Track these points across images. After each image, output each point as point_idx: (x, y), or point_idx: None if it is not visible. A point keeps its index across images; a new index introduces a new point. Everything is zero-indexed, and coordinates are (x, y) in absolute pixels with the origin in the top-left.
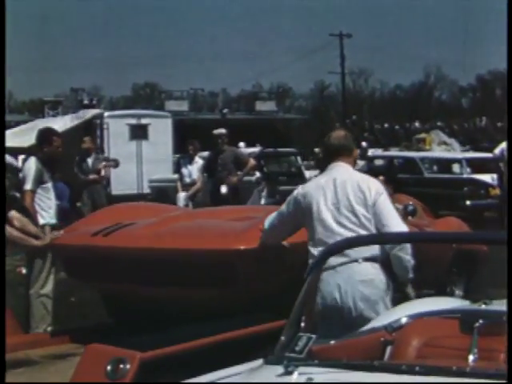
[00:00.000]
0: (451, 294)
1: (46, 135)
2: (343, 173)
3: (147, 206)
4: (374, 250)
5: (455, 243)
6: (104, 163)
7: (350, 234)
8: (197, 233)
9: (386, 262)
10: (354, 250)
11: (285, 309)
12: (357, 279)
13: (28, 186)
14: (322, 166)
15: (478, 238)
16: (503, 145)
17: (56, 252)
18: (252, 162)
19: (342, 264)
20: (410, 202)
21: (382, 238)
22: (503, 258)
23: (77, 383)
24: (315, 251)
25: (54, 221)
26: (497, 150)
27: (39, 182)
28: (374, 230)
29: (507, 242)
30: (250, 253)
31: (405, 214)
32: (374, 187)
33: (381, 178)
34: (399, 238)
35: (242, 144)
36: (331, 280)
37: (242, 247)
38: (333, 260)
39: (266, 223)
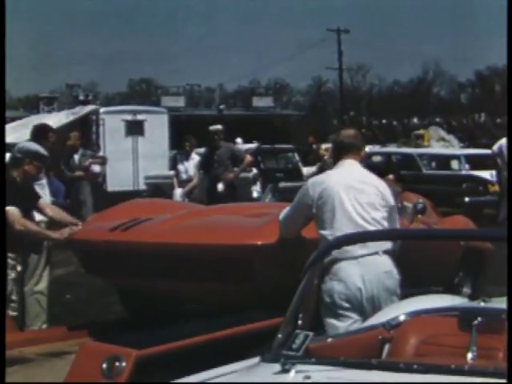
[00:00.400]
0: (459, 291)
1: (41, 131)
2: (356, 171)
3: (162, 203)
4: (388, 243)
5: (455, 240)
6: (90, 160)
7: (371, 228)
8: (215, 228)
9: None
10: (372, 242)
11: None
12: (380, 270)
13: None
14: (334, 160)
15: (479, 235)
16: (502, 141)
17: (73, 247)
18: (249, 158)
19: (363, 256)
20: (420, 200)
21: (387, 234)
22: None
23: (72, 382)
24: (333, 237)
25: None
26: (495, 147)
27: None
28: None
29: (507, 239)
30: (267, 248)
31: (415, 212)
32: (388, 190)
33: (390, 177)
34: (405, 235)
35: (239, 140)
36: (355, 271)
37: (259, 242)
38: (354, 251)
39: (281, 216)
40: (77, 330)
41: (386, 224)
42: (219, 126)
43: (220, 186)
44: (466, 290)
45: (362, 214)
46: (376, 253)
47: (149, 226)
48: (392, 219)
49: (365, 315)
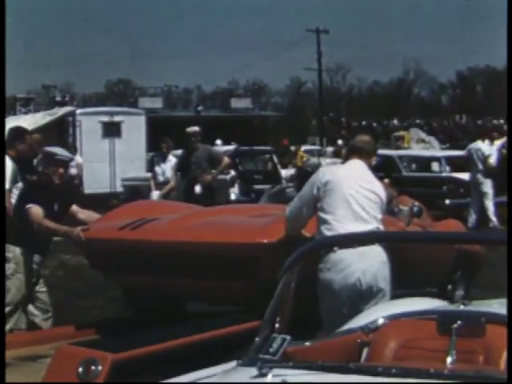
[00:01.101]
0: (453, 293)
1: (17, 133)
2: (363, 171)
3: (167, 204)
4: None
5: (458, 243)
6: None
7: (369, 226)
8: (222, 227)
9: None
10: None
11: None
12: (378, 260)
13: (6, 186)
14: (344, 160)
15: (479, 238)
16: (472, 144)
17: (82, 245)
18: (226, 160)
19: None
20: (416, 203)
21: (380, 235)
22: (497, 259)
23: None
24: (335, 223)
25: None
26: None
27: (15, 181)
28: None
29: (507, 242)
30: (273, 246)
31: (411, 215)
32: (385, 195)
33: (386, 181)
34: (403, 238)
35: (218, 142)
36: (354, 262)
37: (265, 241)
38: None
39: (287, 210)
40: (52, 333)
41: (381, 224)
42: (196, 128)
43: (197, 188)
44: (460, 292)
45: (364, 207)
46: (373, 244)
47: (157, 225)
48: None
49: (360, 302)
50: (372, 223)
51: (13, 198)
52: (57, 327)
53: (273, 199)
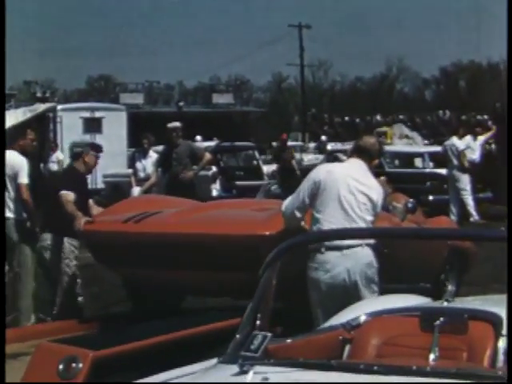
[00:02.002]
0: (445, 289)
1: (19, 129)
2: (361, 171)
3: (168, 198)
4: None
5: (457, 240)
6: None
7: (359, 224)
8: (224, 220)
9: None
10: None
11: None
12: (363, 262)
13: (25, 180)
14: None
15: (479, 235)
16: (447, 141)
17: (86, 238)
18: (208, 156)
19: (348, 247)
20: (411, 200)
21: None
22: (490, 256)
23: (28, 383)
24: (324, 221)
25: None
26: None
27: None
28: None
29: (507, 239)
30: (274, 238)
31: (406, 211)
32: (381, 199)
33: (382, 178)
34: (401, 234)
35: (198, 138)
36: (340, 263)
37: (267, 233)
38: (339, 242)
39: (283, 206)
40: (33, 330)
41: (370, 225)
42: (177, 124)
43: (179, 185)
44: (451, 287)
45: (353, 208)
46: (360, 245)
47: (160, 218)
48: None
49: (345, 300)
50: (359, 224)
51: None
52: (37, 324)
53: (268, 195)
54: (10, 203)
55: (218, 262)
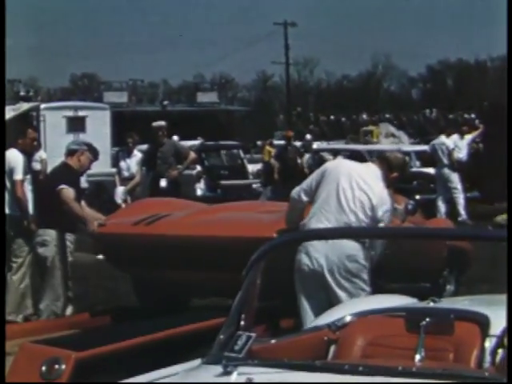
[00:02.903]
0: (444, 288)
1: (20, 129)
2: (370, 173)
3: (175, 201)
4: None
5: (457, 240)
6: None
7: (350, 217)
8: (233, 222)
9: (368, 245)
10: (343, 225)
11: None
12: (344, 253)
13: (19, 176)
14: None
15: (479, 235)
16: (435, 140)
17: (98, 240)
18: (192, 155)
19: None
20: (411, 201)
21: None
22: (477, 257)
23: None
24: (319, 212)
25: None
26: (435, 142)
27: (25, 172)
28: None
29: (507, 239)
30: None
31: (406, 213)
32: (384, 207)
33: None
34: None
35: (175, 137)
36: (321, 248)
37: (275, 235)
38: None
39: (293, 190)
40: (16, 330)
41: (361, 223)
42: (162, 122)
43: (163, 183)
44: (450, 286)
45: (348, 201)
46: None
47: (170, 220)
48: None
49: (328, 291)
50: (349, 218)
51: (26, 188)
52: (22, 323)
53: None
54: (7, 199)
55: (226, 263)
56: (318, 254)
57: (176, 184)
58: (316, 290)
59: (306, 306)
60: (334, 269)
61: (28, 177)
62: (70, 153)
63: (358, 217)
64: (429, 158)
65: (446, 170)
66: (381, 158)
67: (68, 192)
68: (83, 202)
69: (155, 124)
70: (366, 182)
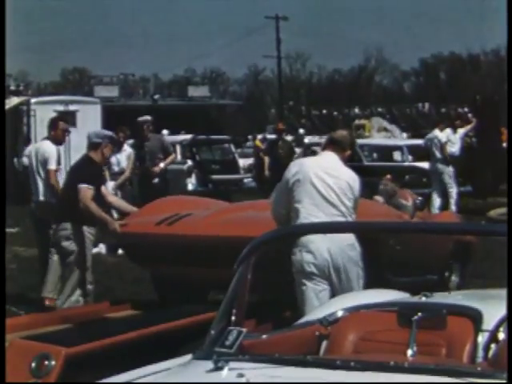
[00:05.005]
0: (449, 281)
1: (53, 121)
2: (332, 161)
3: (195, 199)
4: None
5: (458, 234)
6: None
7: (340, 208)
8: (253, 222)
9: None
10: (337, 218)
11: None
12: (344, 243)
13: (53, 166)
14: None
15: (479, 229)
16: (429, 134)
17: (121, 239)
18: (173, 155)
19: None
20: (419, 198)
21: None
22: (489, 250)
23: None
24: (303, 210)
25: None
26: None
27: (58, 163)
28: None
29: (507, 236)
30: None
31: (415, 209)
32: (357, 184)
33: (388, 176)
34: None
35: (165, 132)
36: (322, 243)
37: None
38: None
39: (271, 206)
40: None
41: (352, 211)
42: (148, 117)
43: (156, 179)
44: (455, 279)
45: (332, 196)
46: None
47: (192, 220)
48: (355, 210)
49: (332, 284)
50: (339, 207)
51: (59, 177)
52: (9, 318)
53: None
54: (41, 188)
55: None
56: (320, 249)
57: (163, 179)
58: (323, 286)
59: (315, 304)
60: (339, 260)
61: (61, 167)
62: (94, 146)
63: (343, 202)
64: (421, 153)
65: (440, 165)
66: (332, 144)
67: (86, 192)
68: (104, 189)
69: (141, 119)
70: (334, 169)
